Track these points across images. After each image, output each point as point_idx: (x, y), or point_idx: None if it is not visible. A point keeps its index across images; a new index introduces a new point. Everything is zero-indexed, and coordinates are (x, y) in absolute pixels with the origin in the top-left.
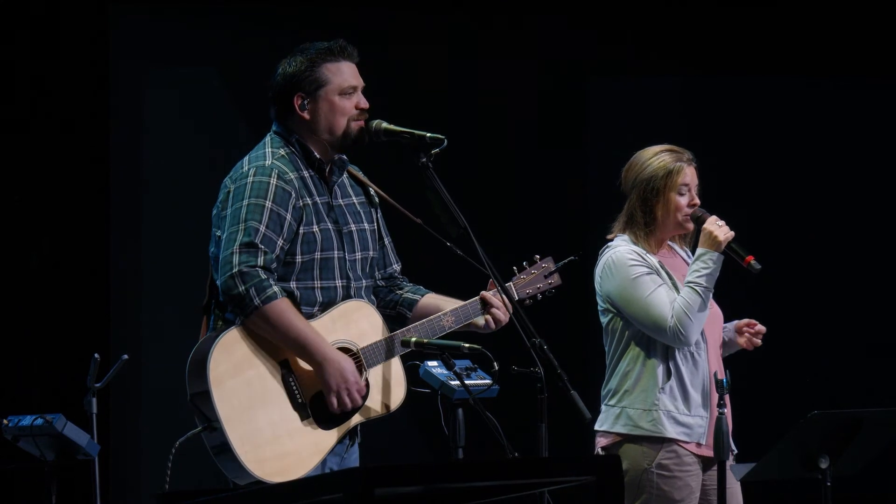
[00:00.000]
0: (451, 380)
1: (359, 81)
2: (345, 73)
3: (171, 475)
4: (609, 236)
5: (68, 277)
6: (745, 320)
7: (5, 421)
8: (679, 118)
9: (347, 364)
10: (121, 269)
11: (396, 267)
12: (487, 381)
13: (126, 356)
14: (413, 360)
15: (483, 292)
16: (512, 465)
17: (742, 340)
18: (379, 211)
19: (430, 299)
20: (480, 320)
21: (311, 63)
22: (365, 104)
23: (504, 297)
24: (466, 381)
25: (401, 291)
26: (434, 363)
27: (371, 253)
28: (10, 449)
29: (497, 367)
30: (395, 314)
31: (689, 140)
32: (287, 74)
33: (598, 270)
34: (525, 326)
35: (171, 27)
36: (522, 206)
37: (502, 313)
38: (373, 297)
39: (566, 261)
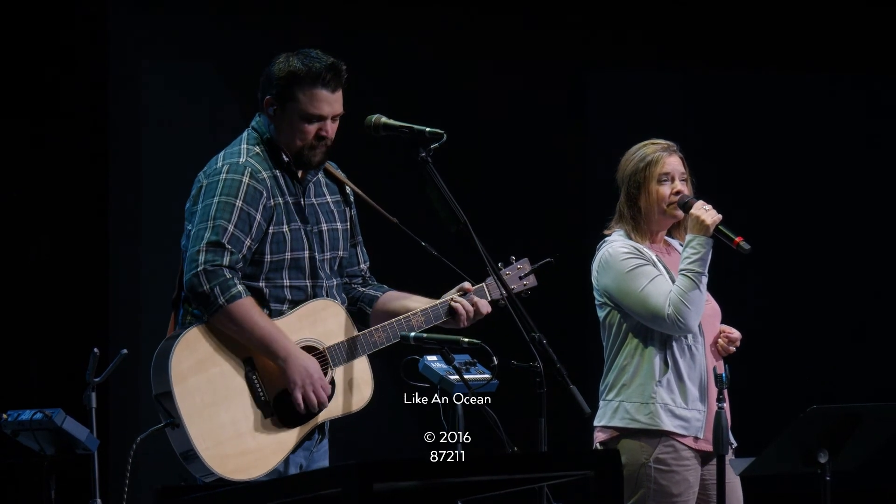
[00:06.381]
0: (451, 374)
1: (330, 111)
2: (315, 101)
3: (132, 474)
4: (605, 231)
5: (67, 272)
6: (724, 326)
7: (4, 415)
8: (680, 114)
9: (311, 362)
10: (120, 263)
11: (364, 266)
12: (487, 376)
13: (125, 351)
14: (412, 355)
15: (464, 283)
16: (511, 459)
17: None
18: (353, 209)
19: (392, 296)
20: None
21: (290, 76)
22: (328, 133)
23: (502, 291)
24: (466, 376)
25: (363, 289)
26: (433, 358)
27: (340, 252)
28: (9, 443)
29: (496, 362)
30: (356, 310)
31: (690, 136)
32: (270, 73)
33: (594, 265)
34: (524, 321)
35: (171, 23)
36: (522, 203)
37: (482, 306)
38: (343, 295)
39: (542, 262)
